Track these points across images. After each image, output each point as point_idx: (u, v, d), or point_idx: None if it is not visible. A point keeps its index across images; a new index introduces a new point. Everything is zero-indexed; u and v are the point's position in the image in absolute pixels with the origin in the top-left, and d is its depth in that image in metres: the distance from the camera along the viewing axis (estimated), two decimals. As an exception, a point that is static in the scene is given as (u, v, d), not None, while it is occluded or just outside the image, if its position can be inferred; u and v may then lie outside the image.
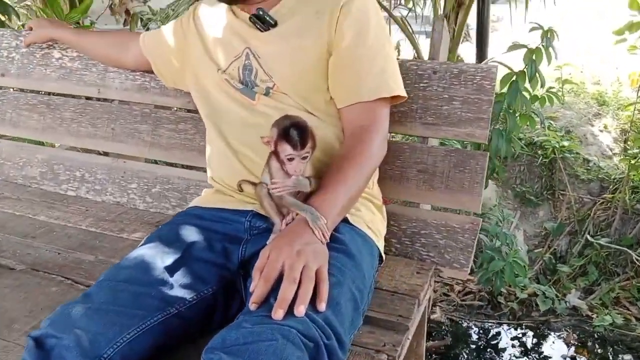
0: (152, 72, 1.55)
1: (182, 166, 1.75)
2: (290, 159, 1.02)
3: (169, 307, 1.00)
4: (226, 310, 1.10)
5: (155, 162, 1.80)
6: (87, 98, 1.83)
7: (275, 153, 1.04)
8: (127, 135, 1.74)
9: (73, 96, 1.86)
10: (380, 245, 1.22)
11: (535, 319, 2.87)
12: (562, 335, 2.69)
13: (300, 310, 0.87)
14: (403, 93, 1.23)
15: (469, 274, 1.35)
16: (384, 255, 1.26)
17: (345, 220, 1.12)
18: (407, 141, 1.50)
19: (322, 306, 0.90)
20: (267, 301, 0.91)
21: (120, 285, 1.00)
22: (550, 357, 2.56)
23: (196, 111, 1.47)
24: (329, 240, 1.00)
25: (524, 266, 2.89)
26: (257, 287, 0.93)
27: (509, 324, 2.81)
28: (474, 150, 1.50)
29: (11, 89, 1.96)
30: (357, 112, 1.18)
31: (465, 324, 2.75)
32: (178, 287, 1.03)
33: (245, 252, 1.12)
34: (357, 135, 1.16)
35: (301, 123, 1.03)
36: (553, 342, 2.67)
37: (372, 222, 1.21)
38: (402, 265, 1.36)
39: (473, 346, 2.63)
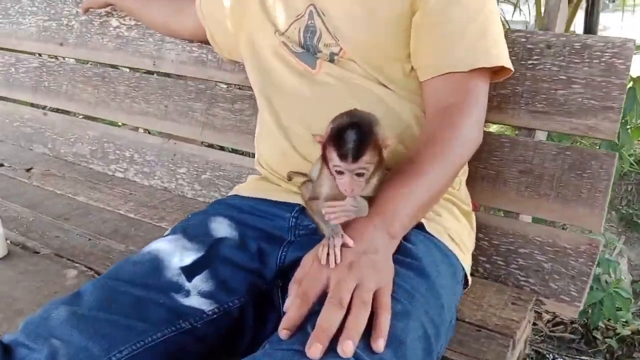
0: (209, 44, 1.35)
1: (235, 151, 1.54)
2: (339, 172, 0.71)
3: (180, 321, 0.77)
4: (257, 329, 0.86)
5: (207, 145, 1.60)
6: (143, 72, 1.66)
7: (324, 158, 0.74)
8: (180, 113, 1.55)
9: (130, 69, 1.70)
10: (467, 264, 0.93)
11: None
12: None
13: (347, 348, 0.61)
14: (509, 65, 0.93)
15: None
16: (469, 278, 0.96)
17: (419, 227, 0.85)
18: (507, 133, 1.20)
19: (379, 344, 0.63)
20: (303, 329, 0.66)
21: (121, 286, 0.78)
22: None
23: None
24: (334, 265, 0.70)
25: (629, 298, 2.48)
26: (291, 307, 0.67)
27: None
28: (598, 149, 1.16)
29: (67, 60, 1.84)
30: (445, 86, 0.90)
31: (552, 358, 2.37)
32: (196, 294, 0.80)
33: (286, 256, 0.87)
34: (444, 115, 0.88)
35: (365, 125, 0.71)
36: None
37: (457, 232, 0.91)
38: (491, 292, 1.06)
39: (560, 384, 2.25)
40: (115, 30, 1.68)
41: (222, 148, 1.68)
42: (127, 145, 1.66)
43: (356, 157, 0.69)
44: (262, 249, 0.87)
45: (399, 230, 0.75)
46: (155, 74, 1.64)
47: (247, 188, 1.03)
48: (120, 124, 1.93)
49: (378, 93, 0.93)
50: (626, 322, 2.51)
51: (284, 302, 0.85)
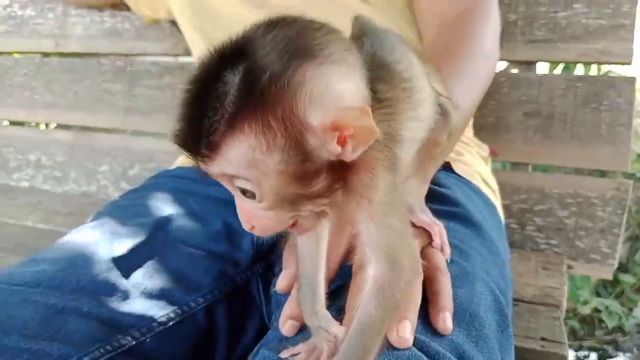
0: (123, 10, 1.09)
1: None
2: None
3: (119, 336, 0.50)
4: (234, 338, 0.60)
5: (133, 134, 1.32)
6: (44, 55, 1.36)
7: None
8: (95, 100, 1.27)
9: (25, 53, 1.39)
10: (502, 216, 0.71)
11: (600, 338, 2.37)
12: (632, 357, 2.19)
13: (405, 332, 0.37)
14: None
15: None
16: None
17: (445, 168, 0.63)
18: (503, 71, 1.02)
19: (446, 322, 0.40)
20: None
21: (20, 293, 0.50)
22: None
23: (186, 56, 1.03)
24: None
25: (588, 276, 2.41)
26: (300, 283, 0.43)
27: (569, 345, 2.30)
28: (613, 76, 1.00)
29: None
30: None
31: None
32: (139, 296, 0.53)
33: (266, 231, 0.62)
34: (455, 25, 0.67)
35: (243, 46, 0.30)
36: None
37: (487, 175, 0.70)
38: (514, 260, 0.85)
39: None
40: (6, 10, 1.36)
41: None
42: (31, 148, 1.34)
43: (193, 139, 0.31)
44: (230, 225, 0.61)
45: (431, 169, 0.53)
46: (57, 56, 1.35)
47: (196, 156, 0.76)
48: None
49: (357, 9, 0.70)
50: (585, 301, 2.43)
51: (266, 296, 0.61)
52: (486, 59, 0.64)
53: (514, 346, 0.48)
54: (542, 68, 0.99)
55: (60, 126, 1.36)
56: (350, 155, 0.30)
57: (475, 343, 0.41)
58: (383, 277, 0.34)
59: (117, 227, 0.59)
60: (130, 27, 1.22)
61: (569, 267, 0.89)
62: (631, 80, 0.88)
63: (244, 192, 0.32)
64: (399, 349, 0.37)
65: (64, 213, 1.15)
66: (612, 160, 0.88)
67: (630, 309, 2.46)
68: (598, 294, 2.63)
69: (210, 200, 0.64)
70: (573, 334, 2.39)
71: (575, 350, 2.30)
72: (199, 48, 0.82)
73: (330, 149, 0.30)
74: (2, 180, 1.37)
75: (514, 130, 0.93)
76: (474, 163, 0.69)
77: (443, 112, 0.42)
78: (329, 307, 0.41)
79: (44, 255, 0.56)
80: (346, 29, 0.46)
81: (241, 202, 0.33)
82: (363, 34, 0.38)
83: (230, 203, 0.63)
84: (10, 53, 1.41)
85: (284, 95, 0.28)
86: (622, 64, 0.90)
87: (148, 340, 0.51)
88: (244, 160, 0.29)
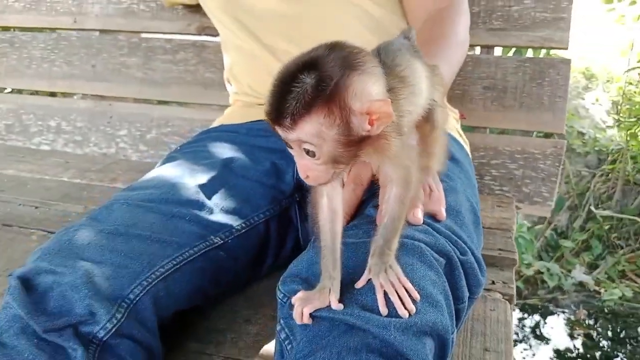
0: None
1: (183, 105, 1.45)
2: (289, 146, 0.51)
3: (211, 236, 0.71)
4: (279, 247, 0.82)
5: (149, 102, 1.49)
6: (61, 31, 1.50)
7: None
8: (112, 71, 1.43)
9: (43, 29, 1.53)
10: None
11: (542, 297, 2.70)
12: (570, 313, 2.51)
13: (418, 215, 0.60)
14: None
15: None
16: None
17: None
18: (468, 52, 1.25)
19: (442, 212, 0.63)
20: (362, 212, 0.64)
21: (141, 205, 0.70)
22: (557, 336, 2.37)
23: (198, 35, 1.21)
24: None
25: (531, 239, 2.72)
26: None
27: (515, 305, 2.62)
28: (554, 57, 1.24)
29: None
30: None
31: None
32: (220, 211, 0.74)
33: (302, 169, 0.83)
34: (436, 19, 0.89)
35: (324, 68, 0.46)
36: (561, 320, 2.47)
37: (460, 130, 0.94)
38: (476, 199, 1.10)
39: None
40: (24, -13, 1.50)
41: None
42: (51, 114, 1.50)
43: (281, 117, 0.46)
44: (276, 164, 0.83)
45: None
46: (75, 32, 1.49)
47: (235, 117, 0.97)
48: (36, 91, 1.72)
49: (367, 8, 0.91)
50: (529, 264, 2.75)
51: (301, 217, 0.83)
52: (460, 44, 0.87)
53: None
54: (498, 51, 1.23)
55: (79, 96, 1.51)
56: (375, 131, 0.48)
57: (460, 227, 0.64)
58: (401, 192, 0.55)
59: (192, 165, 0.80)
60: (146, 8, 1.38)
61: (517, 207, 1.14)
62: (567, 62, 1.13)
63: (307, 152, 0.48)
64: (415, 225, 0.60)
65: (95, 170, 1.32)
66: (551, 124, 1.14)
67: (569, 271, 2.79)
68: (540, 258, 2.96)
69: (257, 148, 0.85)
70: (518, 293, 2.71)
71: (520, 310, 2.63)
72: (229, 29, 1.01)
73: (364, 127, 0.47)
74: (22, 144, 1.51)
75: (475, 101, 1.17)
76: (450, 121, 0.92)
77: (430, 120, 0.61)
78: (370, 205, 0.63)
79: (143, 184, 0.76)
80: (358, 23, 0.67)
81: (301, 159, 0.49)
82: (380, 49, 0.57)
83: (273, 150, 0.85)
84: (29, 29, 1.54)
85: (341, 92, 0.45)
86: (560, 48, 1.15)
87: (229, 241, 0.73)
88: (314, 131, 0.46)
